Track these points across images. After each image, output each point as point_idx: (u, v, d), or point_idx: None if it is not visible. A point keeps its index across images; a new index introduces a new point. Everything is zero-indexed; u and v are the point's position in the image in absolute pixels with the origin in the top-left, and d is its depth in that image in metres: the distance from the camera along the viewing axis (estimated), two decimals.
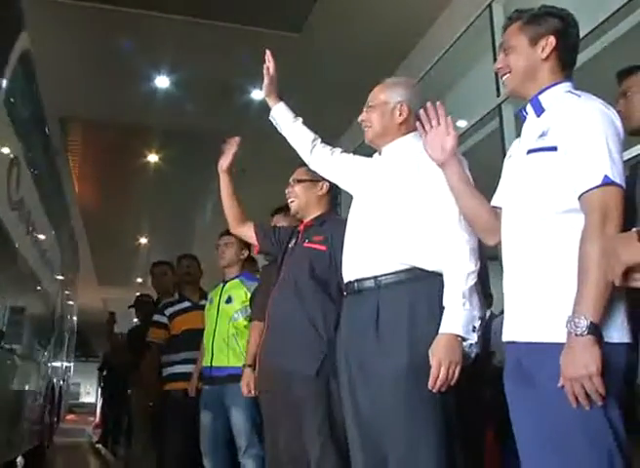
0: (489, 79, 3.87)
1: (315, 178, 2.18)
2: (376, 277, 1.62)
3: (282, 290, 2.09)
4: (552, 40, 1.36)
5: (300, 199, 2.19)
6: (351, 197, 1.92)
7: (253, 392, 2.37)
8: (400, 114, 1.75)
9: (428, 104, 1.51)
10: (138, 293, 5.20)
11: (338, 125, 5.55)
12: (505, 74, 1.42)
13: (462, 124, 4.33)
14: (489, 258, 1.86)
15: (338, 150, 2.03)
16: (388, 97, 1.78)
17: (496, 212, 1.44)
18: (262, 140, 5.60)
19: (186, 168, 7.07)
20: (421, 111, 1.53)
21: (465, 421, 1.55)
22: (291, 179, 2.24)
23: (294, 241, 2.21)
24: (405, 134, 1.77)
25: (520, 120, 1.44)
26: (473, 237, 1.55)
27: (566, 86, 1.37)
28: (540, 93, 1.37)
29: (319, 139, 2.06)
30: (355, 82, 4.78)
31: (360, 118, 1.82)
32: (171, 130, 6.25)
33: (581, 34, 1.43)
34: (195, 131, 6.12)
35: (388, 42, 4.64)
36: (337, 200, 2.32)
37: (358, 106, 1.86)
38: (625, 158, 1.94)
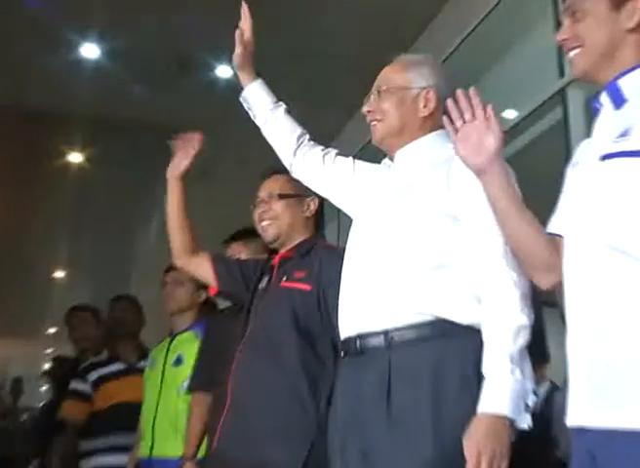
0: (548, 53, 3.90)
1: (302, 193, 2.22)
2: (386, 332, 1.62)
3: (251, 348, 2.10)
4: None
5: (282, 221, 2.22)
6: (351, 219, 1.93)
7: None
8: (425, 105, 1.78)
9: (459, 92, 1.53)
10: (50, 352, 5.18)
11: (334, 119, 5.60)
12: (574, 48, 1.44)
13: (510, 115, 4.37)
14: (544, 304, 1.86)
15: (332, 152, 2.06)
16: (410, 80, 1.80)
17: (554, 242, 1.45)
18: (231, 136, 5.67)
19: (123, 172, 7.08)
20: (449, 101, 1.54)
21: None
22: (264, 193, 2.26)
23: (266, 279, 2.23)
24: (428, 132, 1.80)
25: (592, 113, 1.46)
26: (524, 277, 1.57)
27: None
28: (620, 76, 1.39)
29: (307, 136, 2.09)
30: (361, 59, 4.87)
31: (366, 108, 1.84)
32: (101, 119, 6.25)
33: None
34: (135, 121, 6.16)
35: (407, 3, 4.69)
36: (323, 221, 2.39)
37: (362, 93, 1.87)
38: None
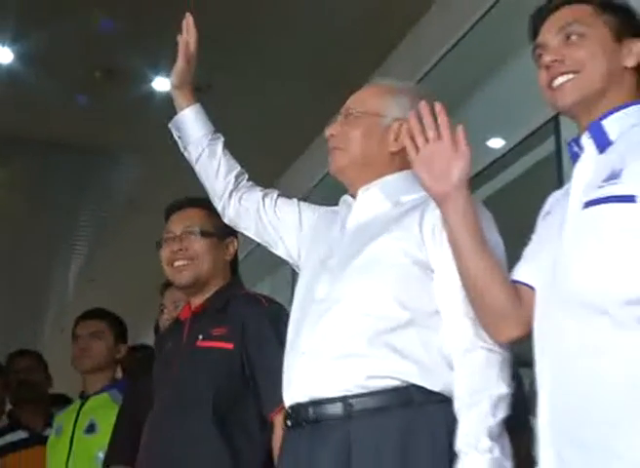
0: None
1: (223, 231, 2.26)
2: (345, 398, 1.62)
3: (165, 424, 2.11)
4: None
5: (202, 263, 2.25)
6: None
7: None
8: (396, 139, 1.81)
9: (422, 104, 1.56)
10: None
11: (295, 142, 5.63)
12: (567, 73, 1.47)
13: (497, 144, 4.43)
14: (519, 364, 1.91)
15: (274, 193, 2.09)
16: (383, 107, 1.84)
17: (519, 291, 1.51)
18: (164, 156, 5.64)
19: (36, 197, 7.03)
20: (412, 114, 1.58)
21: None
22: (177, 228, 2.28)
23: (177, 338, 2.24)
24: (397, 171, 1.83)
25: (571, 158, 1.50)
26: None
27: None
28: (604, 116, 1.43)
29: (245, 176, 2.11)
30: (328, 71, 4.91)
31: (329, 131, 1.87)
32: (13, 135, 6.21)
33: None
34: (55, 138, 6.15)
35: (384, 12, 4.75)
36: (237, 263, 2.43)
37: (330, 113, 1.90)
38: None
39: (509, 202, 3.99)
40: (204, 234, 2.25)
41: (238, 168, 2.12)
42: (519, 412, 1.90)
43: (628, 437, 1.23)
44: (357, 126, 1.83)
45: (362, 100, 1.87)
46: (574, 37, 1.48)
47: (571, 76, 1.46)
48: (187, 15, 2.09)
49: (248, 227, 2.08)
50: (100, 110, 5.66)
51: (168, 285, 2.80)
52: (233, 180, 2.09)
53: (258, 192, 2.08)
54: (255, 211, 2.05)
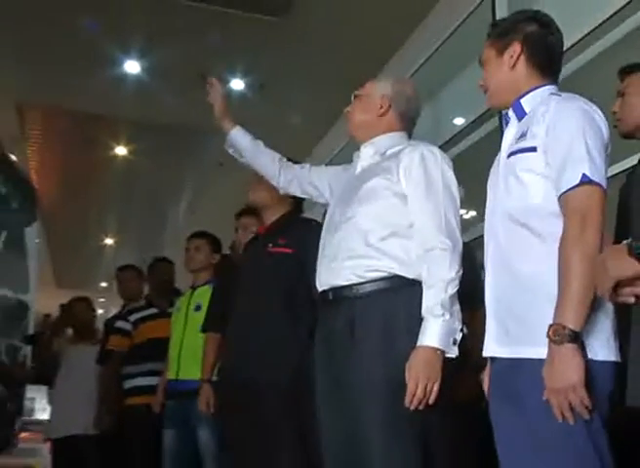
0: None
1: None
2: (352, 285, 1.62)
3: (246, 300, 2.10)
4: (517, 48, 1.41)
5: (259, 198, 2.25)
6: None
7: (212, 409, 2.40)
8: (381, 107, 1.79)
9: None
10: (102, 300, 5.17)
11: (324, 119, 5.57)
12: (485, 91, 1.47)
13: (460, 122, 4.35)
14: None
15: (307, 165, 2.05)
16: (374, 89, 1.83)
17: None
18: None
19: (158, 162, 7.04)
20: None
21: (451, 441, 1.57)
22: (254, 178, 2.25)
23: (255, 247, 2.23)
24: (387, 131, 1.80)
25: (505, 125, 1.47)
26: (455, 242, 1.58)
27: (549, 89, 1.41)
28: (521, 96, 1.41)
29: (284, 158, 2.08)
30: (344, 71, 4.83)
31: (346, 110, 1.87)
32: (141, 121, 6.21)
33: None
34: (168, 122, 6.09)
35: (380, 30, 4.64)
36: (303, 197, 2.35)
37: (347, 99, 1.89)
38: (619, 170, 1.97)
39: (471, 160, 3.93)
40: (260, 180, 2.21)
41: (278, 155, 2.07)
42: (477, 295, 1.93)
43: (535, 311, 1.24)
44: (358, 103, 1.83)
45: (362, 88, 1.87)
46: (482, 65, 1.48)
47: (487, 93, 1.47)
48: (212, 80, 2.09)
49: (295, 191, 2.06)
50: (198, 103, 5.60)
51: (240, 214, 2.78)
52: (278, 164, 2.05)
53: (296, 167, 2.05)
54: (297, 179, 2.02)
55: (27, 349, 4.69)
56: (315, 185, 1.99)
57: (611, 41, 3.18)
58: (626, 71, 1.78)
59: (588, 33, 3.08)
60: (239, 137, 2.09)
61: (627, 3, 2.97)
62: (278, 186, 2.07)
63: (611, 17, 3.06)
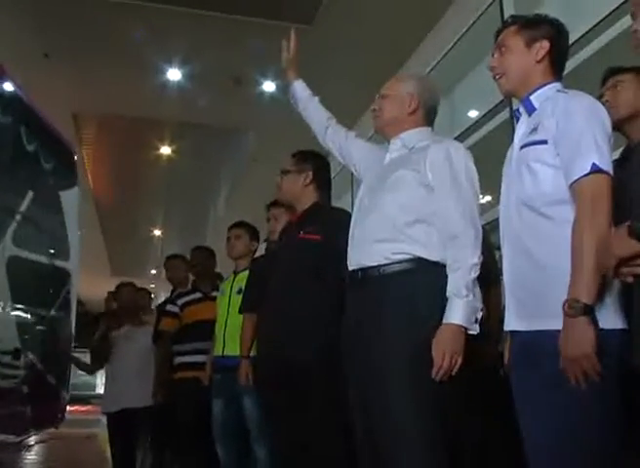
0: None
1: (299, 169, 2.19)
2: (379, 266, 1.62)
3: (279, 282, 2.10)
4: (546, 44, 1.41)
5: (285, 191, 2.22)
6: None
7: (251, 382, 2.41)
8: (409, 105, 1.77)
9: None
10: (152, 286, 5.19)
11: (349, 117, 5.55)
12: (499, 75, 1.45)
13: (474, 114, 4.31)
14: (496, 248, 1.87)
15: (352, 133, 2.03)
16: (400, 88, 1.80)
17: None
18: (273, 133, 5.65)
19: (199, 160, 7.12)
20: None
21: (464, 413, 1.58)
22: (280, 171, 2.24)
23: (288, 234, 2.21)
24: (414, 127, 1.78)
25: (516, 120, 1.47)
26: (477, 230, 1.59)
27: (555, 86, 1.41)
28: (531, 93, 1.41)
29: (334, 119, 2.06)
30: (367, 73, 4.81)
31: (372, 106, 1.84)
32: (183, 122, 6.30)
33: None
34: (207, 123, 6.15)
35: (400, 32, 4.62)
36: (329, 186, 2.32)
37: (370, 98, 1.87)
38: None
39: (484, 149, 3.88)
40: (284, 172, 2.21)
41: (329, 114, 2.06)
42: (493, 273, 1.87)
43: (550, 288, 1.24)
44: (386, 101, 1.79)
45: (388, 86, 1.83)
46: (503, 49, 1.44)
47: (502, 78, 1.44)
48: (292, 31, 2.08)
49: (335, 152, 2.03)
50: (233, 105, 5.60)
51: (270, 205, 2.76)
52: (326, 121, 2.03)
53: (343, 130, 2.02)
54: (340, 142, 2.00)
55: (71, 320, 4.29)
56: (351, 155, 1.98)
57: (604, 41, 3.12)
58: (621, 70, 1.75)
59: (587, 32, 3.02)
60: (299, 89, 2.09)
61: (623, 3, 2.90)
62: (322, 143, 2.06)
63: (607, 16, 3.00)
